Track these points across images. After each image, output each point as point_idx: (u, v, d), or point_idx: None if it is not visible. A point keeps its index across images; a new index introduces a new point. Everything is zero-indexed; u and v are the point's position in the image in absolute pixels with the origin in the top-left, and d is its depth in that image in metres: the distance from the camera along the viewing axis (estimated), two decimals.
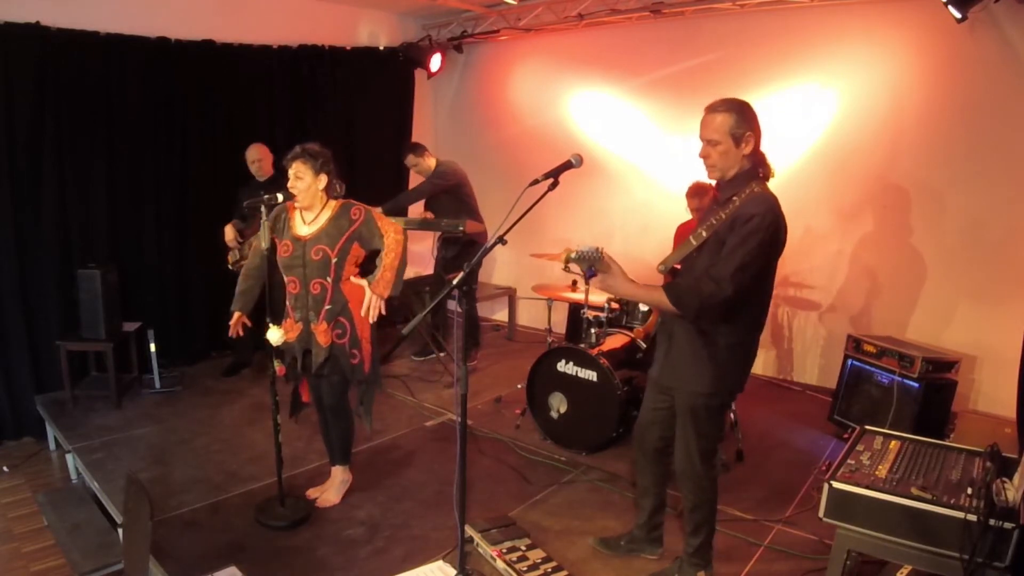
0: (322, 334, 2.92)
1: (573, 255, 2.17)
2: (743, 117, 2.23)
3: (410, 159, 5.07)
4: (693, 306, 2.22)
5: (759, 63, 4.70)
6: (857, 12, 4.30)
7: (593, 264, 2.15)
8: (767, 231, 2.16)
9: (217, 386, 4.70)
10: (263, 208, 2.86)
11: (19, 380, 4.17)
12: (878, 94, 4.31)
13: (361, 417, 3.15)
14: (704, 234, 2.28)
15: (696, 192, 3.92)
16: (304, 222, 2.96)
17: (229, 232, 4.54)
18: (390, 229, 2.97)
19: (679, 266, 2.43)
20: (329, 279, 2.90)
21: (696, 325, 2.32)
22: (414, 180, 6.30)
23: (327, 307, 2.91)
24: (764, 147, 2.32)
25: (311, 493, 3.24)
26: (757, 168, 2.28)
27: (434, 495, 3.30)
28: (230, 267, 4.57)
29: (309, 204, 2.93)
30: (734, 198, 2.25)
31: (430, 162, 5.05)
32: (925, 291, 4.30)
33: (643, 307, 3.85)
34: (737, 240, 2.17)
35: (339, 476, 3.25)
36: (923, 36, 4.08)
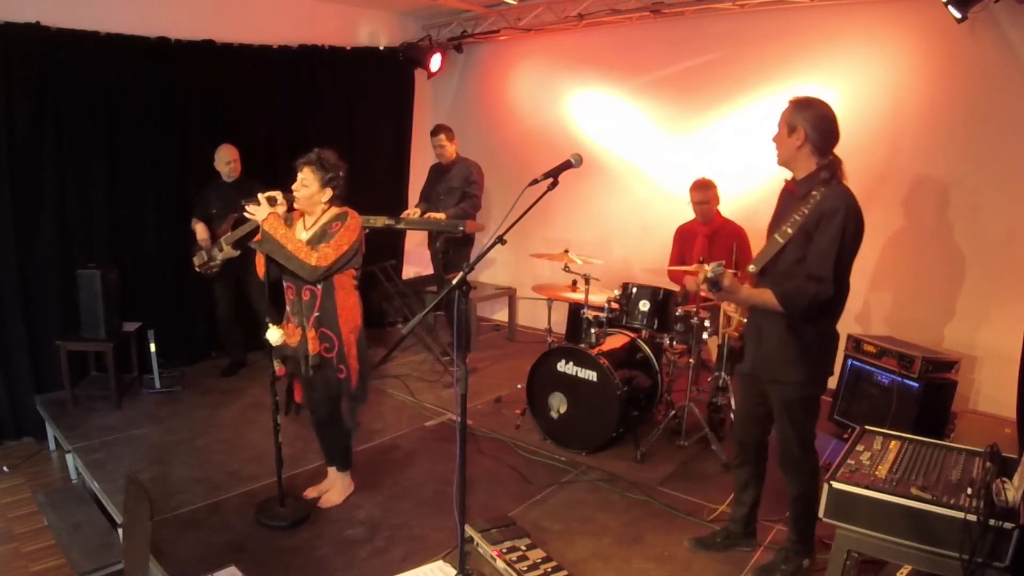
0: (311, 341, 2.92)
1: (709, 274, 2.28)
2: (799, 111, 2.38)
3: (442, 138, 5.03)
4: (801, 306, 2.33)
5: (759, 63, 4.70)
6: (857, 12, 4.30)
7: (719, 280, 2.28)
8: (852, 223, 2.28)
9: (217, 386, 4.70)
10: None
11: (19, 380, 4.17)
12: (878, 94, 4.31)
13: (351, 429, 3.17)
14: (790, 231, 2.36)
15: (699, 187, 4.15)
16: (304, 227, 2.96)
17: (202, 231, 4.40)
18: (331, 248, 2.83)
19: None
20: (318, 286, 2.89)
21: (795, 321, 2.39)
22: (414, 179, 6.33)
23: (316, 314, 2.91)
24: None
25: (309, 493, 3.24)
26: (831, 169, 2.36)
27: (434, 495, 3.30)
28: (197, 269, 4.46)
29: (309, 210, 2.94)
30: (813, 192, 2.34)
31: (451, 150, 5.08)
32: (925, 291, 4.30)
33: (643, 307, 3.84)
34: (828, 238, 2.27)
35: (340, 481, 3.25)
36: (923, 36, 4.08)
